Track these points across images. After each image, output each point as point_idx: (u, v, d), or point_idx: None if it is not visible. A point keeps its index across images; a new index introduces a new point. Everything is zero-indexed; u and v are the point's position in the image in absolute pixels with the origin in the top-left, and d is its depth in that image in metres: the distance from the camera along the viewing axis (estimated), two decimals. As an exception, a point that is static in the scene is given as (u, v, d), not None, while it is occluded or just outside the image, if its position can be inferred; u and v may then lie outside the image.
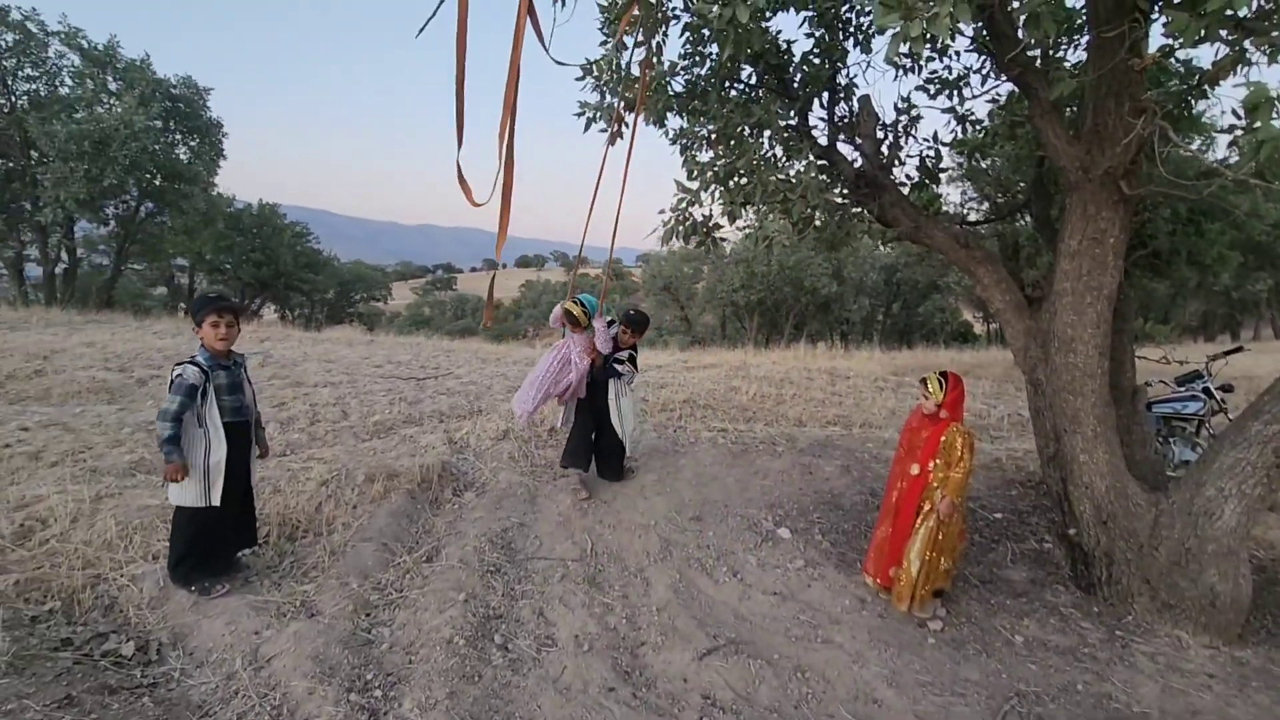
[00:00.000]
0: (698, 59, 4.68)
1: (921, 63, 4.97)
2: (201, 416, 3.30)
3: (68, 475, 4.51)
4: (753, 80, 4.93)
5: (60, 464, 4.79)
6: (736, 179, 4.39)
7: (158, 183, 16.02)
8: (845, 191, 4.76)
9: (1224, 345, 10.27)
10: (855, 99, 4.98)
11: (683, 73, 4.74)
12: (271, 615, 3.27)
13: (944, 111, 5.10)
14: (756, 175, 4.28)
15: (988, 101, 5.23)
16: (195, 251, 21.41)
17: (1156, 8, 3.07)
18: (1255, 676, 3.28)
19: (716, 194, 4.49)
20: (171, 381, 3.23)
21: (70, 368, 7.65)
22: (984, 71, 4.86)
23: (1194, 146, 6.30)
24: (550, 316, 4.90)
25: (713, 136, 4.55)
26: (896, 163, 5.00)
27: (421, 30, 2.54)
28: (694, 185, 4.46)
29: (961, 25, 4.49)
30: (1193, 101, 4.25)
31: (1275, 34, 2.55)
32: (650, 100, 4.55)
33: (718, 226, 4.85)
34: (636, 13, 3.56)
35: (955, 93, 4.97)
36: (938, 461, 3.64)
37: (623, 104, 4.47)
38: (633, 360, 4.92)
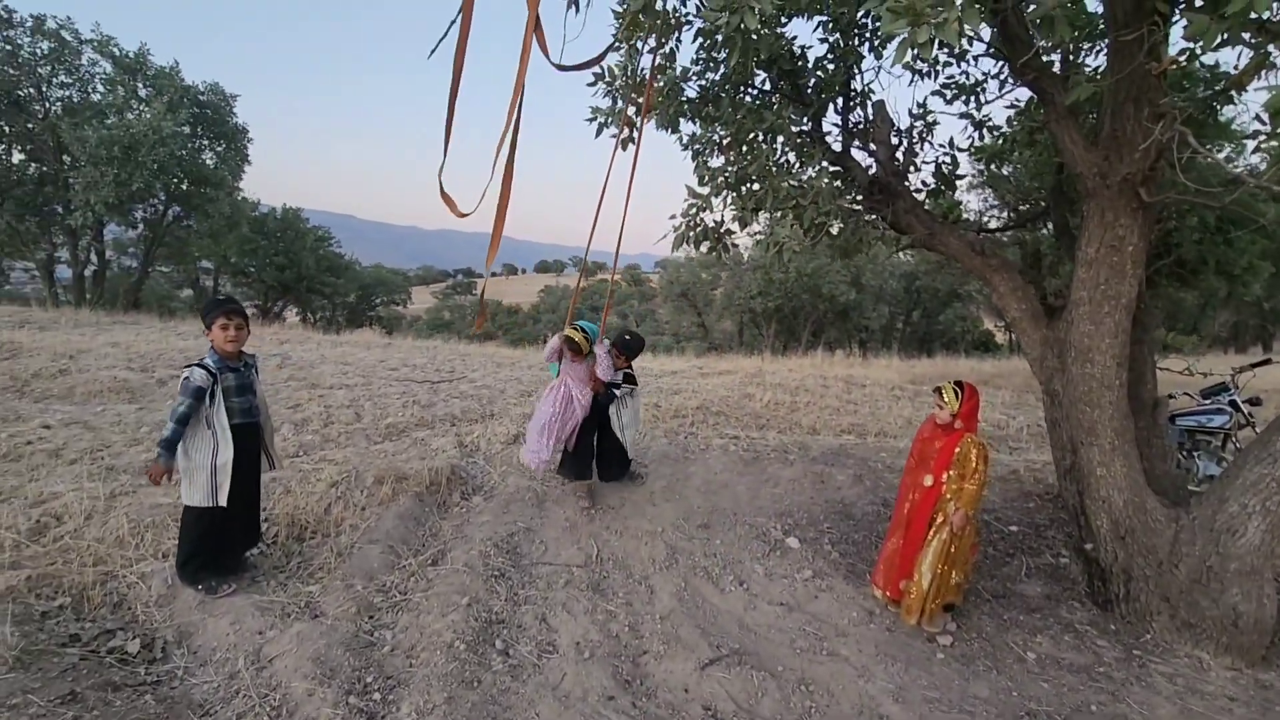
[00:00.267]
0: (711, 64, 4.66)
1: (938, 68, 4.92)
2: (209, 418, 3.33)
3: (85, 473, 4.58)
4: (766, 86, 4.90)
5: (79, 461, 4.87)
6: (748, 184, 4.36)
7: (184, 187, 16.35)
8: (859, 198, 4.70)
9: (1254, 357, 9.99)
10: (870, 104, 4.93)
11: (695, 78, 4.73)
12: (276, 615, 3.29)
13: (960, 117, 5.04)
14: (768, 181, 4.25)
15: (1006, 107, 5.15)
16: (220, 255, 21.79)
17: (1177, 10, 3.00)
18: (1279, 700, 3.16)
19: (728, 200, 4.47)
20: (181, 384, 3.27)
21: (94, 367, 7.79)
22: (1002, 77, 4.79)
23: (1223, 154, 6.16)
24: (545, 350, 4.69)
25: (724, 142, 4.53)
26: (912, 169, 4.94)
27: (432, 52, 2.55)
28: (704, 190, 4.44)
29: (975, 30, 4.46)
30: (1218, 107, 4.15)
31: (1300, 37, 2.48)
32: (662, 105, 4.54)
33: (729, 232, 4.82)
34: (642, 18, 3.54)
35: (973, 98, 4.91)
36: (951, 473, 3.57)
37: (633, 109, 4.47)
38: (630, 379, 4.88)
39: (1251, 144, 4.33)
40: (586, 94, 4.84)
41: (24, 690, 2.54)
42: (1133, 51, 2.95)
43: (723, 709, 2.90)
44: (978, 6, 2.27)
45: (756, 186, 4.33)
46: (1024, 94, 4.83)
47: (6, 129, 15.36)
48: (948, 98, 4.96)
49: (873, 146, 4.80)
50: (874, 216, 4.66)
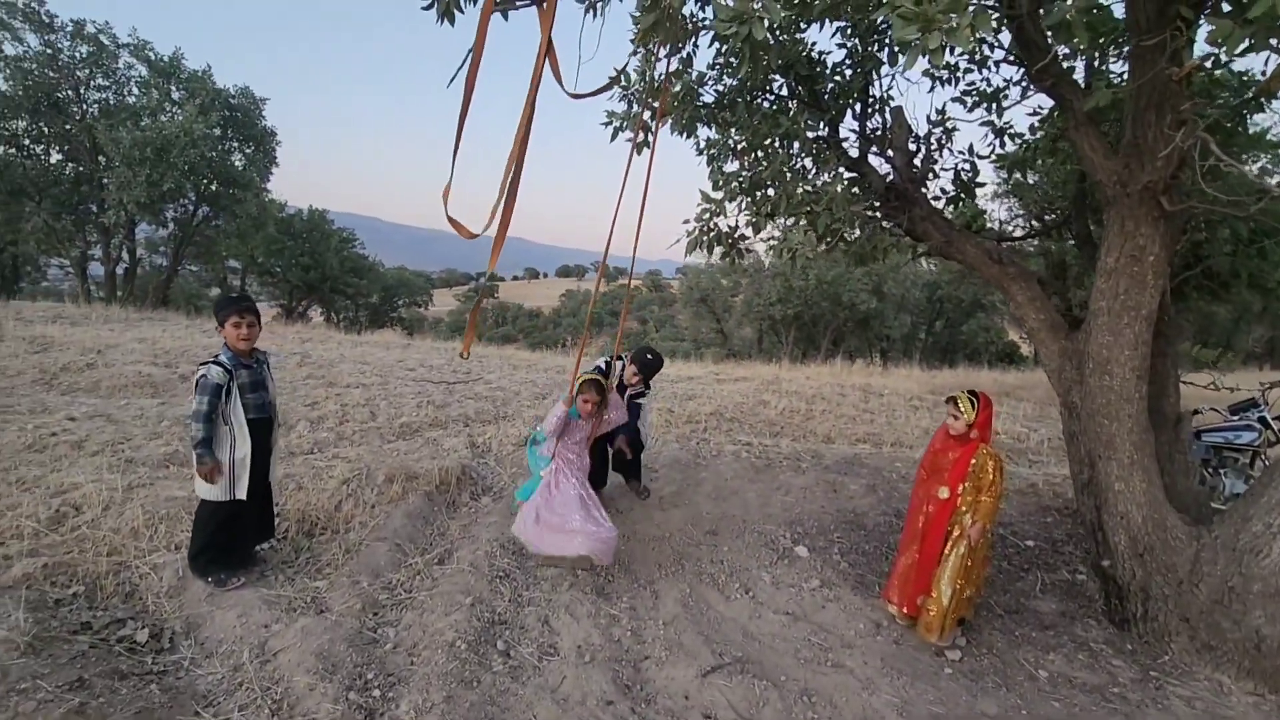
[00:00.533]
0: (727, 69, 4.66)
1: (958, 74, 4.86)
2: (226, 414, 3.38)
3: (105, 464, 4.68)
4: (783, 91, 4.88)
5: (100, 454, 4.97)
6: (762, 190, 4.34)
7: (214, 188, 16.71)
8: (875, 204, 4.66)
9: (1288, 373, 9.70)
10: (888, 111, 4.89)
11: (712, 83, 4.73)
12: (282, 610, 3.32)
13: (981, 125, 4.97)
14: (782, 186, 4.22)
15: (1029, 114, 5.07)
16: (247, 254, 22.20)
17: (1202, 16, 2.93)
18: (1303, 729, 3.05)
19: (742, 205, 4.45)
20: (196, 382, 3.33)
21: (120, 362, 7.97)
22: (1024, 84, 4.72)
23: (1259, 164, 5.99)
24: (546, 423, 3.89)
25: (738, 147, 4.51)
26: (931, 176, 4.88)
27: (452, 81, 2.57)
28: (718, 195, 4.43)
29: (994, 36, 4.40)
30: (1248, 116, 4.05)
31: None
32: (677, 110, 4.54)
33: (743, 238, 4.80)
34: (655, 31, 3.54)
35: (993, 105, 4.84)
36: (966, 485, 3.51)
37: (648, 114, 4.47)
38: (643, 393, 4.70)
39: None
40: (605, 97, 4.84)
41: (34, 675, 2.58)
42: (1154, 57, 2.89)
43: (723, 717, 2.87)
44: (990, 12, 2.23)
45: (771, 192, 4.31)
46: (1047, 101, 4.76)
47: (46, 130, 15.83)
48: (968, 105, 4.89)
49: (890, 153, 4.75)
50: (889, 223, 4.62)
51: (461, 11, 2.72)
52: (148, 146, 14.28)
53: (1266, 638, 3.22)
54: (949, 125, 4.88)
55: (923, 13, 2.25)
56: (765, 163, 4.32)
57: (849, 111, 4.89)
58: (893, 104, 4.90)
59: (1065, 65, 4.13)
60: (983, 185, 5.09)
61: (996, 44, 4.55)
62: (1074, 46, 3.94)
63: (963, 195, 5.05)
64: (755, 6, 2.55)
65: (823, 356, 20.98)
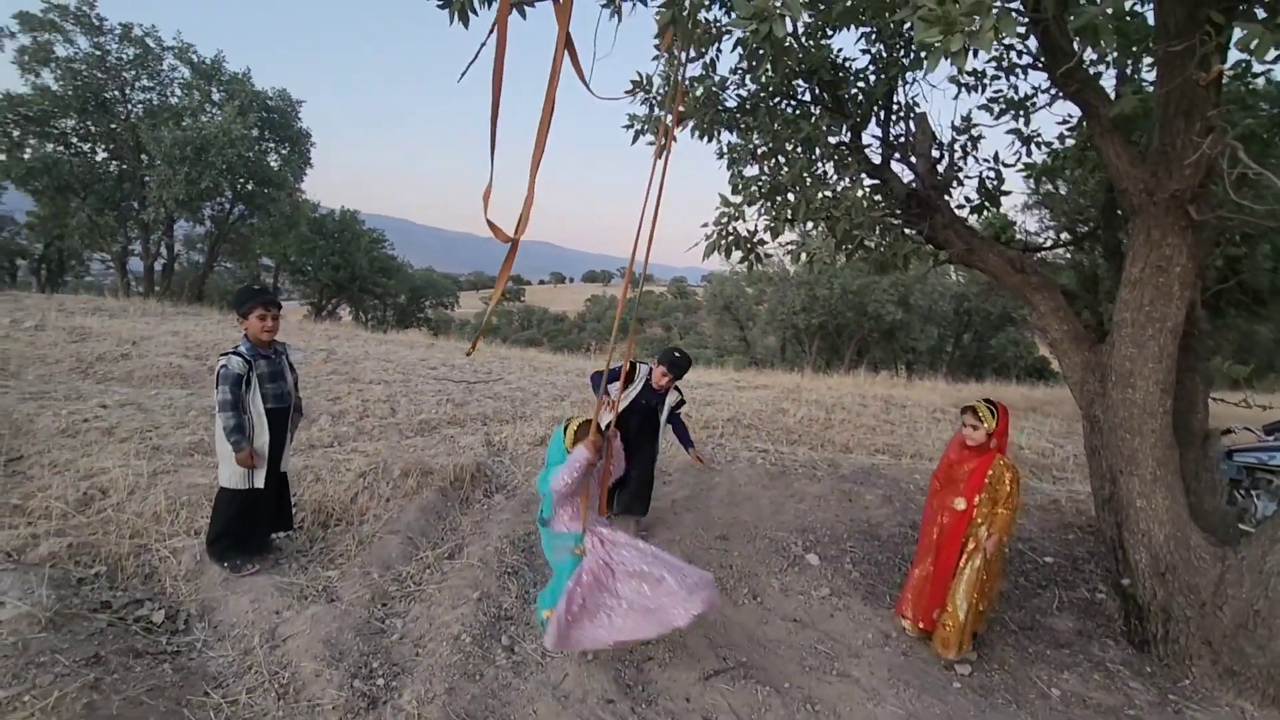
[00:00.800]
0: (750, 73, 4.66)
1: (985, 81, 4.80)
2: (245, 403, 3.47)
3: (133, 451, 4.82)
4: (806, 97, 4.86)
5: (129, 440, 5.12)
6: (782, 194, 4.33)
7: (249, 187, 17.14)
8: (896, 211, 4.61)
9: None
10: (913, 117, 4.84)
11: (734, 87, 4.73)
12: (294, 597, 3.39)
13: (1008, 133, 4.90)
14: (801, 191, 4.21)
15: (1058, 123, 4.98)
16: (280, 253, 22.71)
17: (1233, 21, 2.85)
18: (1330, 760, 2.93)
19: (761, 209, 4.43)
20: (217, 374, 3.42)
21: (153, 353, 8.20)
22: (1052, 91, 4.64)
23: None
24: (557, 481, 2.90)
25: (759, 151, 4.51)
26: (955, 183, 4.82)
27: (463, 75, 2.60)
28: (737, 199, 4.43)
29: (1021, 43, 4.33)
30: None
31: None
32: (699, 114, 4.55)
33: (761, 242, 4.79)
34: (674, 29, 3.55)
35: (1021, 113, 4.76)
36: (983, 496, 3.45)
37: (670, 117, 4.49)
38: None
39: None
40: (628, 101, 4.87)
41: (52, 649, 2.67)
42: (1184, 63, 2.83)
43: (723, 721, 2.85)
44: (1014, 15, 2.20)
45: (790, 196, 4.30)
46: (1077, 110, 4.67)
47: (93, 129, 16.40)
48: (995, 112, 4.82)
49: (912, 159, 4.71)
50: (911, 230, 4.57)
51: (476, 14, 2.75)
52: (188, 145, 14.72)
53: (1293, 664, 3.11)
54: (975, 133, 4.82)
55: (945, 15, 2.23)
56: (786, 167, 4.31)
57: (873, 118, 4.86)
58: (918, 110, 4.86)
59: (1093, 72, 4.05)
60: (1008, 194, 5.01)
61: (1024, 50, 4.49)
62: (1101, 51, 3.87)
63: (987, 203, 4.97)
64: (775, 4, 2.54)
65: (846, 367, 20.76)
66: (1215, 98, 2.92)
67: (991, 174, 4.92)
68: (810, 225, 4.47)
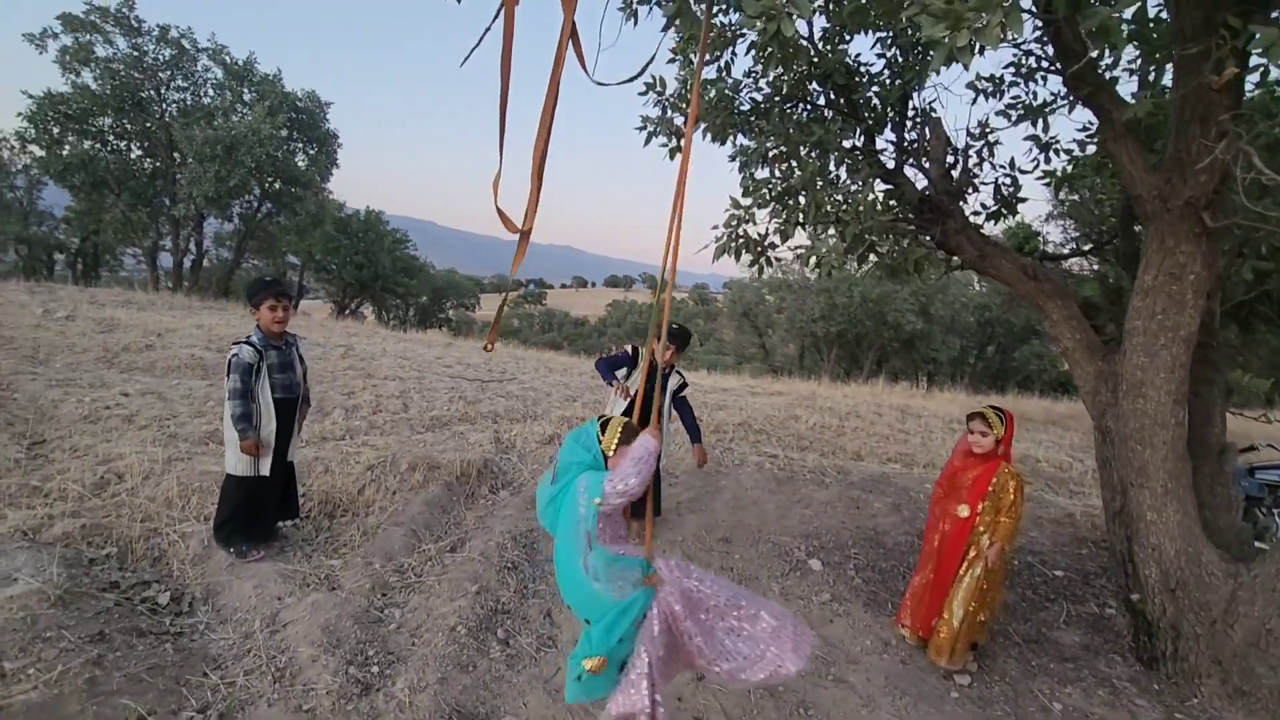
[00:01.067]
0: (763, 75, 4.66)
1: (1003, 87, 4.75)
2: (254, 392, 3.54)
3: (150, 438, 4.94)
4: (821, 101, 4.85)
5: (147, 428, 5.24)
6: (793, 198, 4.32)
7: (276, 186, 17.50)
8: (908, 216, 4.57)
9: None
10: (928, 122, 4.80)
11: (747, 90, 4.73)
12: (296, 584, 3.44)
13: (1026, 139, 4.83)
14: (812, 195, 4.19)
15: (1078, 130, 4.91)
16: (305, 251, 23.13)
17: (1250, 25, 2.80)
18: (1343, 787, 2.84)
19: (771, 212, 4.43)
20: (229, 362, 3.49)
21: (177, 345, 8.40)
22: (1071, 97, 4.57)
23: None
24: (627, 475, 2.16)
25: (770, 154, 4.50)
26: (970, 189, 4.77)
27: (465, 60, 2.64)
28: (747, 202, 4.42)
29: (1042, 48, 4.28)
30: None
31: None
32: (711, 116, 4.56)
33: (772, 245, 4.77)
34: (678, 24, 3.57)
35: (1039, 120, 4.70)
36: (986, 504, 3.40)
37: (681, 119, 4.51)
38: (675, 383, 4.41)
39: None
40: (641, 102, 4.90)
41: (60, 625, 2.74)
42: (1199, 66, 2.77)
43: (715, 722, 2.83)
44: (1022, 13, 2.18)
45: (802, 199, 4.28)
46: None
47: (129, 127, 16.87)
48: (1012, 118, 4.76)
49: (926, 164, 4.67)
50: (923, 235, 4.53)
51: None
52: (218, 144, 15.07)
53: (1306, 686, 3.01)
54: (991, 139, 4.77)
55: (952, 10, 2.21)
56: (798, 170, 4.30)
57: (888, 123, 4.83)
58: (933, 116, 4.81)
59: (1109, 76, 4.00)
60: (1024, 200, 4.94)
61: (1042, 55, 4.44)
62: (1116, 54, 3.81)
63: (1003, 210, 4.91)
64: (783, 1, 2.54)
65: (865, 376, 20.55)
66: (1230, 102, 2.86)
67: (1008, 180, 4.87)
68: (820, 229, 4.46)
